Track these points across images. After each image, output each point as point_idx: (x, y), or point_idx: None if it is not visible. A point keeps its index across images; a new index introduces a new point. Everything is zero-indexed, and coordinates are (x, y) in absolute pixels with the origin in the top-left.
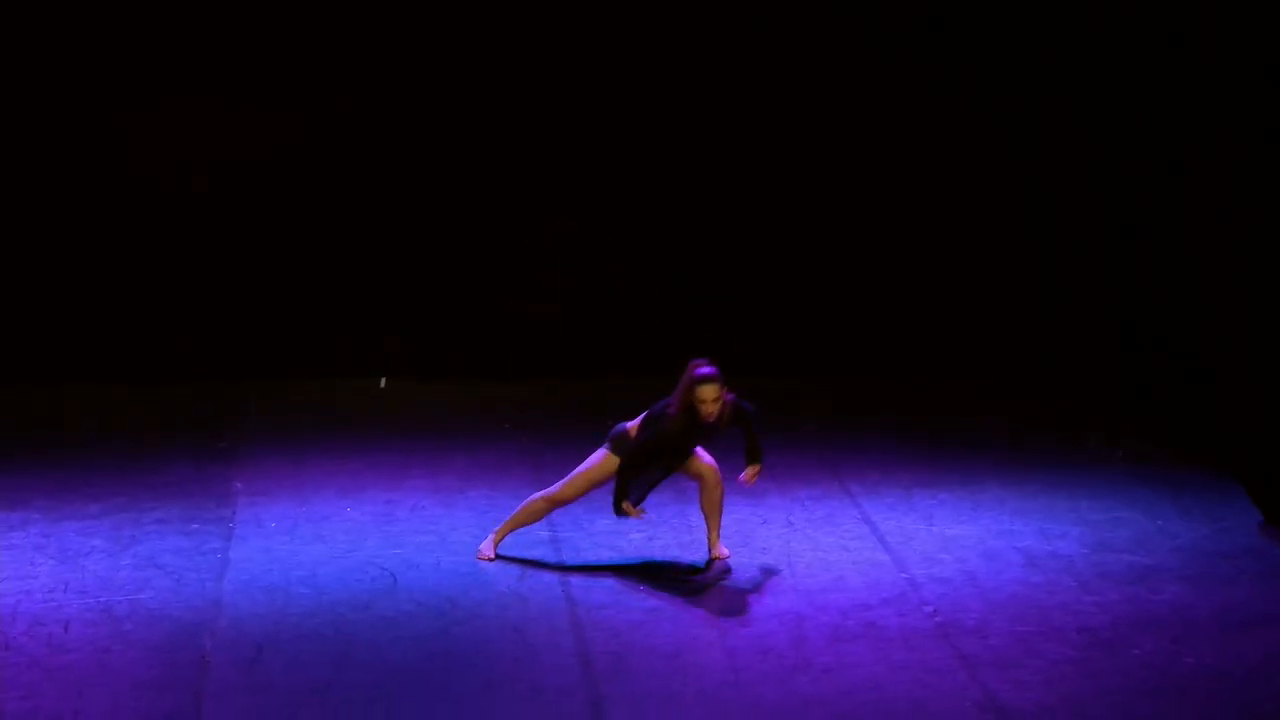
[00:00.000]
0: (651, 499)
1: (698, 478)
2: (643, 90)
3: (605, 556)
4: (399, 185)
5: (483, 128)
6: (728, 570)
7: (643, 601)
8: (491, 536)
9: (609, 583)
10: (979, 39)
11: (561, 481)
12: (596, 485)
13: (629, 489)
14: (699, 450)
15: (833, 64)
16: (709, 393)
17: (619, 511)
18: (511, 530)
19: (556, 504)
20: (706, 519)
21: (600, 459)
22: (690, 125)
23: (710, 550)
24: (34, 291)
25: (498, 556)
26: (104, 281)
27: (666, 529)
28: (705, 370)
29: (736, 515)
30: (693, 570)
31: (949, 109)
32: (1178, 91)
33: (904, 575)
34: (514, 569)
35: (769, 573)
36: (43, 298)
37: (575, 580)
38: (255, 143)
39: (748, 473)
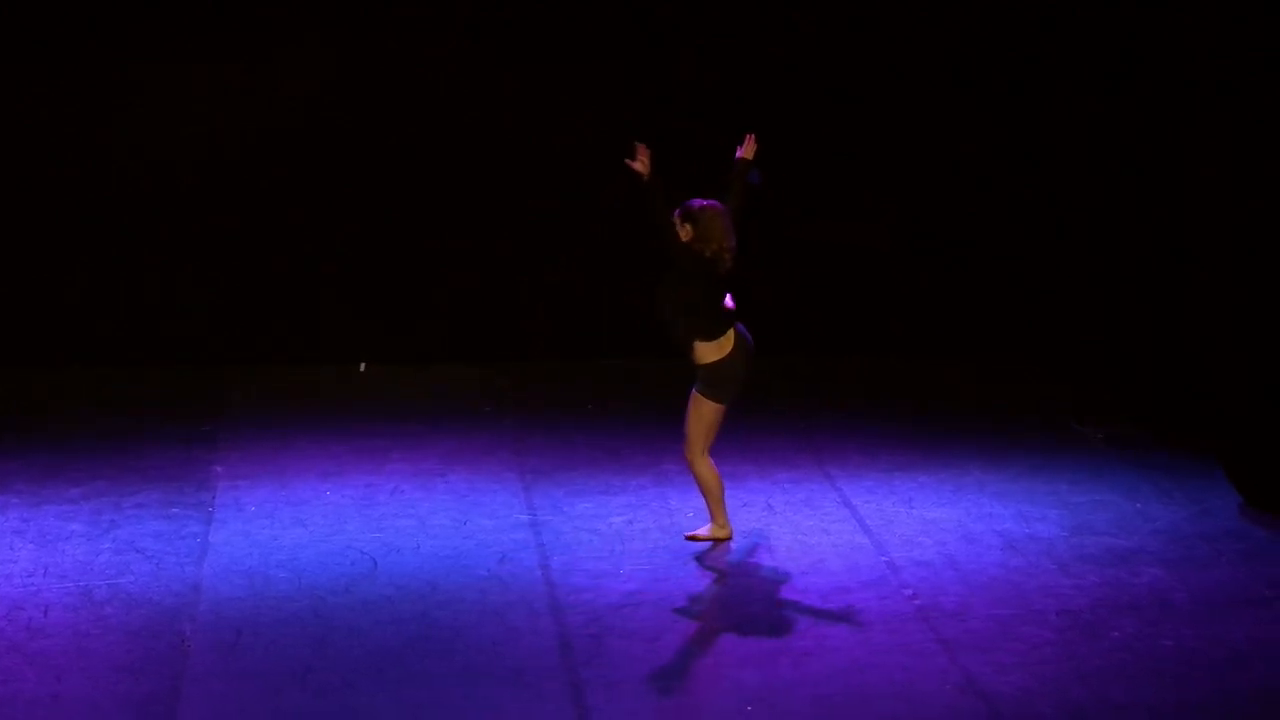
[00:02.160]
0: (632, 483)
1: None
2: (622, 63)
3: (585, 540)
4: (378, 167)
5: (459, 110)
6: (708, 553)
7: (622, 585)
8: (708, 527)
9: (588, 566)
10: (962, 24)
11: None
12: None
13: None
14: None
15: (820, 45)
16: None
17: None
18: (720, 504)
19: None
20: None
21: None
22: (674, 104)
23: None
24: (13, 276)
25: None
26: (85, 265)
27: (646, 512)
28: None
29: None
30: (673, 553)
31: (935, 92)
32: (1167, 73)
33: (884, 558)
34: (494, 553)
35: (749, 556)
36: (23, 282)
37: (555, 564)
38: (235, 128)
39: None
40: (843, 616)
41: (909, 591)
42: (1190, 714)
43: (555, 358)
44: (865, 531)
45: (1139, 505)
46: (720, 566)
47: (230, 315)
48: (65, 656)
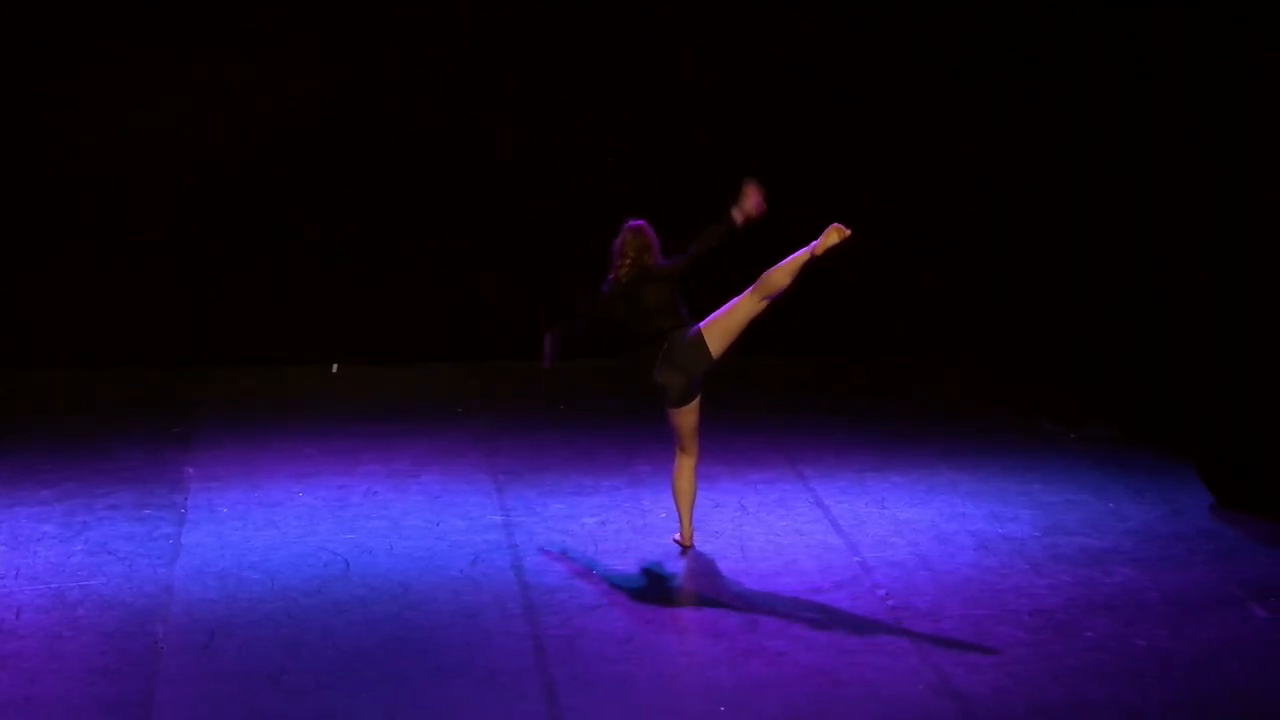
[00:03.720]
0: (604, 484)
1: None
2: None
3: (558, 540)
4: (348, 169)
5: (435, 114)
6: (681, 554)
7: (595, 585)
8: (681, 531)
9: (561, 566)
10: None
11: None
12: (689, 430)
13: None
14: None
15: (803, 47)
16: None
17: None
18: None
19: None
20: (681, 502)
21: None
22: (679, 107)
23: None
24: None
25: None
26: (57, 267)
27: (619, 512)
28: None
29: None
30: (646, 554)
31: (907, 91)
32: (1142, 76)
33: (856, 559)
34: (466, 553)
35: (721, 556)
36: None
37: (528, 564)
38: (209, 133)
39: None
40: (816, 617)
41: (882, 592)
42: (1164, 713)
43: (525, 357)
44: (838, 532)
45: (1111, 505)
46: (693, 567)
47: (201, 316)
48: (38, 658)
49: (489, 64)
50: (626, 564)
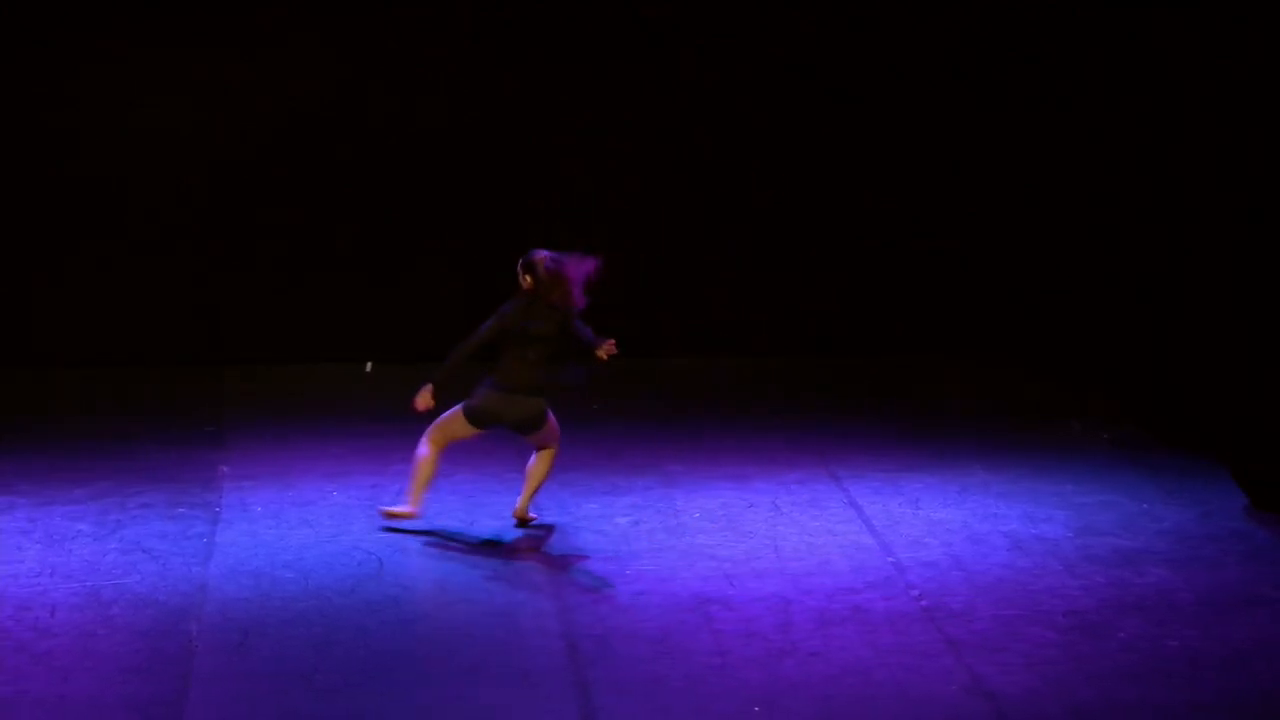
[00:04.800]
0: (637, 483)
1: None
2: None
3: (591, 540)
4: (379, 166)
5: (461, 110)
6: (714, 553)
7: (629, 585)
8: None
9: (595, 567)
10: (962, 24)
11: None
12: (454, 436)
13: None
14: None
15: (822, 49)
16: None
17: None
18: (532, 487)
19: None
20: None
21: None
22: (679, 107)
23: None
24: (17, 277)
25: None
26: (90, 266)
27: (652, 512)
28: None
29: (722, 499)
30: (678, 554)
31: (935, 92)
32: (1165, 76)
33: (890, 559)
34: (500, 554)
35: (755, 556)
36: (26, 283)
37: (561, 564)
38: (235, 129)
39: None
40: (849, 617)
41: (915, 592)
42: (1196, 714)
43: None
44: (871, 532)
45: (1144, 506)
46: (726, 567)
47: (232, 315)
48: (72, 656)
49: (524, 63)
50: (659, 564)
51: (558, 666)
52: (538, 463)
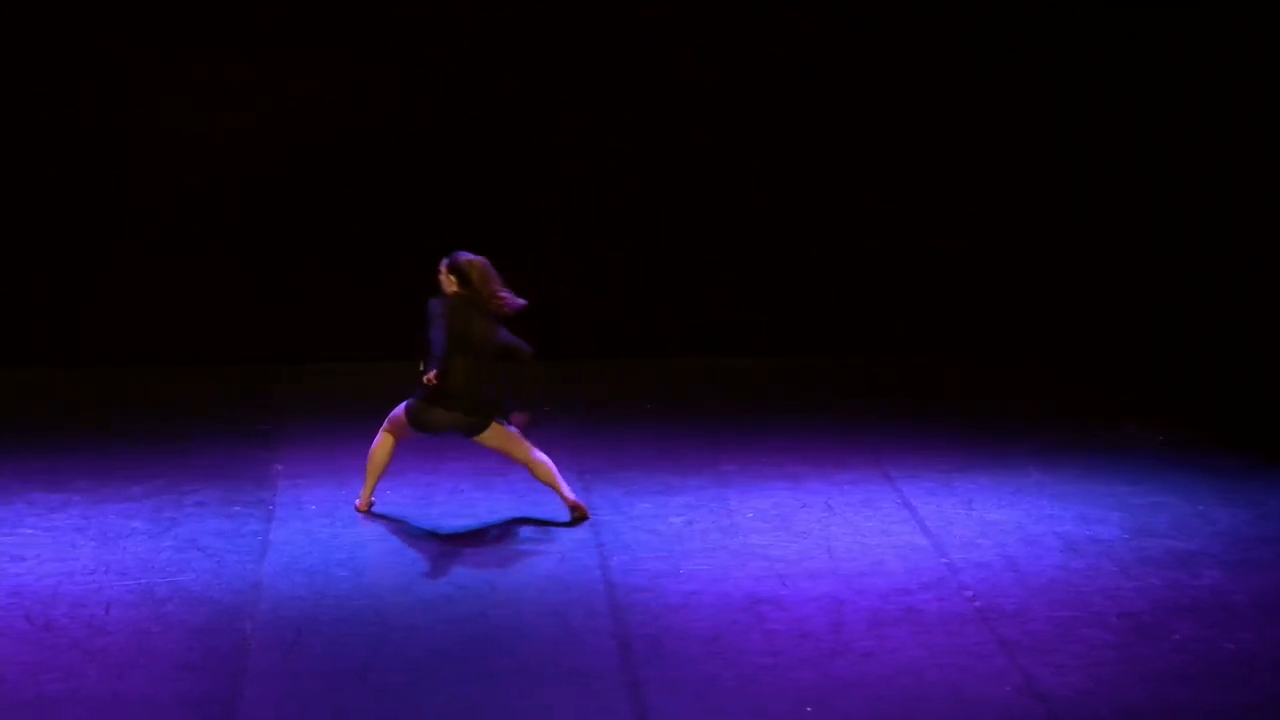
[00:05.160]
0: (690, 483)
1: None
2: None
3: (644, 540)
4: (430, 166)
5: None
6: (767, 553)
7: (681, 585)
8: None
9: (648, 566)
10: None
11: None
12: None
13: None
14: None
15: (858, 39)
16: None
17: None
18: (554, 483)
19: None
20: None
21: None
22: (715, 103)
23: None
24: (72, 275)
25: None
26: (138, 264)
27: (705, 512)
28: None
29: (775, 499)
30: (731, 553)
31: (979, 90)
32: (1219, 71)
33: (943, 560)
34: (553, 553)
35: (808, 557)
36: (81, 282)
37: (614, 564)
38: (291, 126)
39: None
40: (902, 618)
41: (969, 593)
42: (1249, 715)
43: (612, 356)
44: (925, 533)
45: (1199, 508)
46: (779, 567)
47: (285, 313)
48: (126, 654)
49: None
50: (712, 564)
51: (610, 666)
52: (535, 474)
